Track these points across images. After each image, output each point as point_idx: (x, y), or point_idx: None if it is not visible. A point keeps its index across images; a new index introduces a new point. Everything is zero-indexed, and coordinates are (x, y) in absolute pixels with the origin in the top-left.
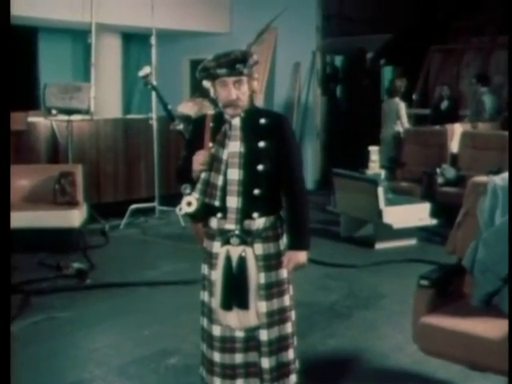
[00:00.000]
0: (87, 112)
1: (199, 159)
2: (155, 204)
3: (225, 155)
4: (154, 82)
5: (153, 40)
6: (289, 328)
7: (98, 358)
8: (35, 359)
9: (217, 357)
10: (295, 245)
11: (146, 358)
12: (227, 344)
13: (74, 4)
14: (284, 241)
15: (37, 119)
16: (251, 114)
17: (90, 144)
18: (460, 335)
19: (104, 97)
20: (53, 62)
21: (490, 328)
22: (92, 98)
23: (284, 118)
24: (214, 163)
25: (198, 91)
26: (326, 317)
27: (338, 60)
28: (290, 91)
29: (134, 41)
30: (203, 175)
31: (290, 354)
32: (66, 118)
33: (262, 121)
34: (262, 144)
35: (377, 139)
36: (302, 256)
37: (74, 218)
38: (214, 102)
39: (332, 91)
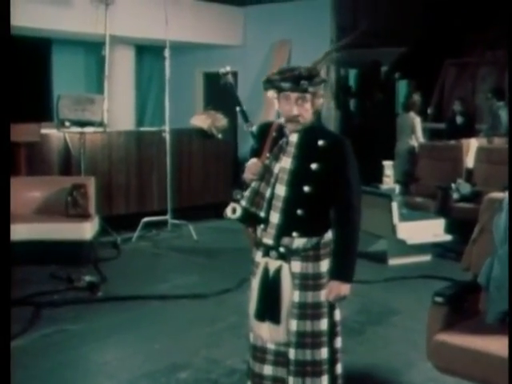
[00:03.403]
0: (100, 124)
1: (252, 168)
2: (167, 217)
3: (276, 169)
4: (231, 79)
5: (166, 52)
6: (323, 354)
7: (108, 371)
8: (45, 372)
9: (250, 362)
10: (338, 275)
11: (157, 372)
12: (258, 353)
13: (88, 16)
14: (326, 263)
15: (50, 131)
16: (310, 134)
17: (102, 156)
18: (475, 353)
19: (117, 109)
20: (66, 73)
21: (505, 346)
22: (105, 111)
23: (344, 142)
24: (266, 174)
25: (211, 104)
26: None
27: (352, 73)
28: None
29: (148, 53)
30: (253, 184)
31: (322, 381)
32: (78, 130)
33: (320, 142)
34: (314, 166)
35: (391, 153)
36: (344, 288)
37: (86, 230)
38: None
39: (346, 105)
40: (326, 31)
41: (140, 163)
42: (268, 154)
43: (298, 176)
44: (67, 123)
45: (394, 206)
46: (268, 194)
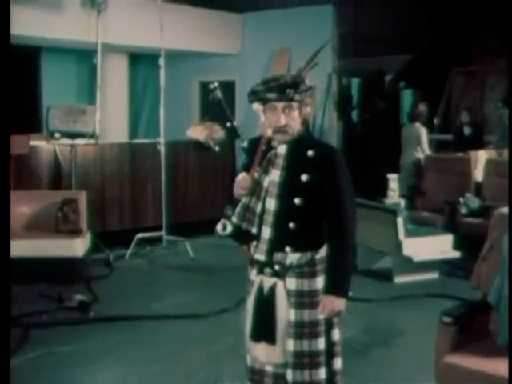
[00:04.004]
0: (92, 136)
1: (241, 183)
2: (162, 233)
3: (266, 182)
4: (220, 95)
5: (161, 61)
6: (321, 374)
7: None
8: None
9: None
10: (332, 290)
11: None
12: (256, 376)
13: (79, 23)
14: (322, 279)
15: (39, 143)
16: (299, 144)
17: (94, 169)
18: (485, 376)
19: (110, 120)
20: (56, 83)
21: None
22: (97, 122)
23: (335, 152)
24: (257, 189)
25: (208, 115)
26: (341, 354)
27: (355, 82)
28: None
29: (142, 62)
30: (244, 199)
31: None
32: (69, 141)
33: (310, 153)
34: (304, 177)
35: (396, 166)
36: (338, 303)
37: (77, 247)
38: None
39: (348, 115)
40: (328, 39)
41: (134, 177)
42: (258, 168)
43: (287, 188)
44: (57, 135)
45: (400, 221)
46: (259, 208)
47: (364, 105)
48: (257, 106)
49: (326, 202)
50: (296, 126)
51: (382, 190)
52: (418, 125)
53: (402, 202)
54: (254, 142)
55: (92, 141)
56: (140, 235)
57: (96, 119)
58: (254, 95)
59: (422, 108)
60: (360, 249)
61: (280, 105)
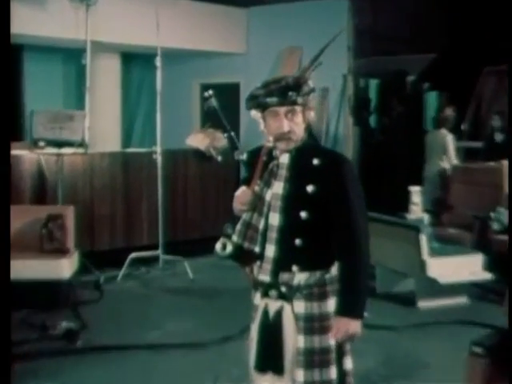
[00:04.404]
0: (80, 144)
1: (241, 198)
2: (159, 252)
3: (268, 196)
4: (215, 103)
5: (158, 61)
6: None
7: None
8: None
9: None
10: (346, 311)
11: None
12: None
13: (66, 19)
14: (334, 302)
15: (21, 152)
16: (303, 152)
17: (83, 182)
18: None
19: (100, 127)
20: (41, 85)
21: None
22: (86, 129)
23: (343, 159)
24: (259, 203)
25: (210, 121)
26: None
27: (373, 84)
28: (316, 121)
29: (136, 62)
30: (245, 216)
31: None
32: (55, 151)
33: (316, 161)
34: (310, 188)
35: (419, 178)
36: (353, 325)
37: (64, 268)
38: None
39: (366, 121)
40: (343, 36)
41: (127, 190)
42: (259, 181)
43: (292, 201)
44: (42, 143)
45: (423, 238)
46: (261, 225)
47: (383, 109)
48: (255, 113)
49: (335, 215)
50: (300, 132)
51: (404, 204)
52: (443, 131)
53: (426, 218)
54: (254, 154)
55: (80, 150)
56: (134, 255)
57: (85, 126)
58: (253, 100)
59: (449, 112)
60: (379, 270)
61: (282, 109)
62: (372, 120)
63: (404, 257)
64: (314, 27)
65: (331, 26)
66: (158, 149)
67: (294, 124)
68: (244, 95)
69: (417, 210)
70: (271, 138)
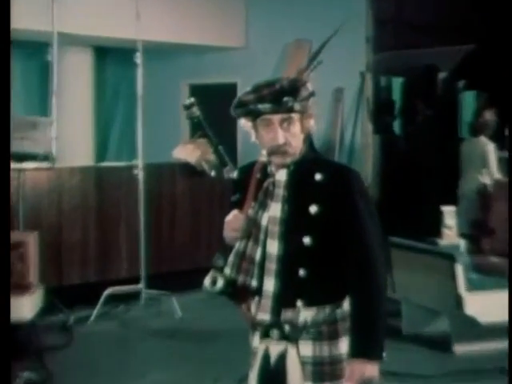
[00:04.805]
0: (46, 158)
1: (232, 223)
2: (140, 287)
3: (264, 220)
4: (198, 113)
5: (138, 57)
6: None
7: None
8: None
9: None
10: (361, 352)
11: None
12: None
13: (28, 7)
14: (347, 342)
15: None
16: (303, 166)
17: (49, 203)
18: None
19: (70, 137)
20: None
21: None
22: (53, 139)
23: (352, 172)
24: (254, 229)
25: (200, 129)
26: None
27: (397, 83)
28: (328, 128)
29: (112, 58)
30: (238, 245)
31: None
32: (15, 166)
33: (318, 176)
34: (313, 209)
35: (453, 195)
36: (370, 368)
37: (25, 307)
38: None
39: (388, 127)
40: (360, 27)
41: (102, 212)
42: (253, 203)
43: (293, 225)
44: None
45: (459, 269)
46: (258, 254)
47: (409, 113)
48: (245, 122)
49: (344, 239)
50: (298, 144)
51: (435, 227)
52: (483, 139)
53: (462, 244)
54: (246, 171)
55: (45, 164)
56: (110, 290)
57: (51, 136)
58: (242, 107)
59: (489, 116)
60: (406, 307)
61: (276, 118)
62: (396, 126)
63: (436, 291)
64: (326, 16)
65: (345, 14)
66: (140, 162)
67: (290, 135)
68: None
69: (451, 235)
70: (264, 152)
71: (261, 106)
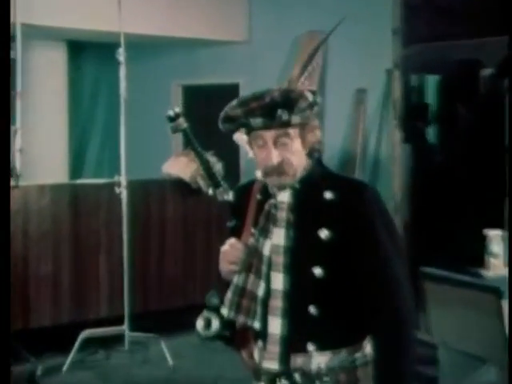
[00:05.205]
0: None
1: (229, 254)
2: (124, 328)
3: (267, 249)
4: (185, 125)
5: (121, 54)
6: None
7: None
8: None
9: None
10: None
11: None
12: None
13: None
14: None
15: None
16: (310, 184)
17: (13, 228)
18: None
19: (38, 149)
20: None
21: None
22: (17, 152)
23: (368, 188)
24: (254, 261)
25: (189, 144)
26: None
27: (431, 82)
28: (348, 136)
29: (90, 55)
30: (236, 279)
31: None
32: None
33: (329, 195)
34: (324, 234)
35: (499, 217)
36: None
37: None
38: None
39: (421, 135)
40: (385, 14)
41: (78, 238)
42: (253, 229)
43: (300, 254)
44: None
45: (506, 306)
46: (260, 290)
47: (446, 118)
48: (239, 136)
49: (362, 269)
50: (299, 162)
51: (478, 255)
52: None
53: None
54: (244, 191)
55: (9, 182)
56: (87, 333)
57: (15, 147)
58: (229, 122)
59: None
60: (443, 352)
61: (270, 135)
62: (430, 134)
63: (480, 333)
64: (343, 4)
65: (369, 1)
66: (123, 179)
67: (288, 153)
68: None
69: (497, 264)
70: (259, 173)
71: (252, 121)
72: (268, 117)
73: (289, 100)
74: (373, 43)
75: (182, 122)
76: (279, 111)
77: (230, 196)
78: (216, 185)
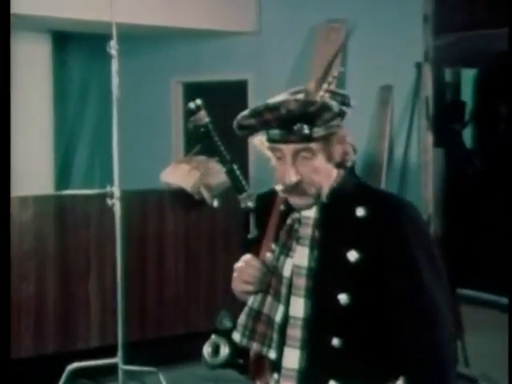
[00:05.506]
0: None
1: (245, 273)
2: (117, 360)
3: (287, 270)
4: (207, 119)
5: (113, 46)
6: None
7: None
8: None
9: None
10: None
11: None
12: None
13: None
14: None
15: None
16: (340, 198)
17: None
18: None
19: (20, 155)
20: None
21: None
22: None
23: (407, 206)
24: (273, 281)
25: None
26: None
27: (469, 78)
28: (372, 140)
29: (78, 47)
30: (251, 301)
31: None
32: None
33: (360, 212)
34: (353, 256)
35: None
36: None
37: None
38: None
39: (457, 138)
40: (415, 2)
41: (65, 257)
42: (273, 245)
43: (325, 277)
44: None
45: None
46: (278, 316)
47: (486, 118)
48: (260, 142)
49: (395, 297)
50: (323, 180)
51: None
52: None
53: None
54: (267, 200)
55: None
56: (75, 365)
57: None
58: (246, 130)
59: None
60: None
61: (288, 149)
62: (467, 137)
63: None
64: None
65: None
66: (116, 190)
67: (309, 170)
68: (254, 99)
69: None
70: (279, 188)
71: (269, 132)
72: (286, 130)
73: (306, 111)
74: (400, 32)
75: (204, 116)
76: (298, 125)
77: (251, 203)
78: (239, 190)
